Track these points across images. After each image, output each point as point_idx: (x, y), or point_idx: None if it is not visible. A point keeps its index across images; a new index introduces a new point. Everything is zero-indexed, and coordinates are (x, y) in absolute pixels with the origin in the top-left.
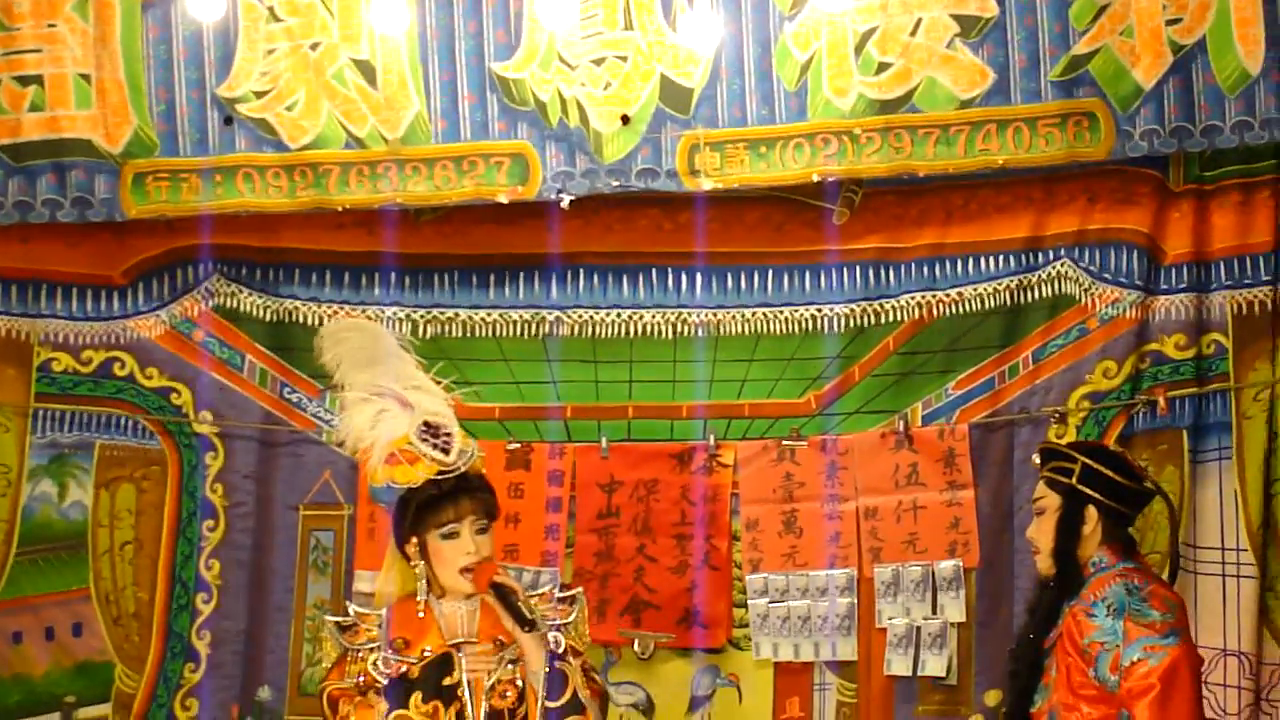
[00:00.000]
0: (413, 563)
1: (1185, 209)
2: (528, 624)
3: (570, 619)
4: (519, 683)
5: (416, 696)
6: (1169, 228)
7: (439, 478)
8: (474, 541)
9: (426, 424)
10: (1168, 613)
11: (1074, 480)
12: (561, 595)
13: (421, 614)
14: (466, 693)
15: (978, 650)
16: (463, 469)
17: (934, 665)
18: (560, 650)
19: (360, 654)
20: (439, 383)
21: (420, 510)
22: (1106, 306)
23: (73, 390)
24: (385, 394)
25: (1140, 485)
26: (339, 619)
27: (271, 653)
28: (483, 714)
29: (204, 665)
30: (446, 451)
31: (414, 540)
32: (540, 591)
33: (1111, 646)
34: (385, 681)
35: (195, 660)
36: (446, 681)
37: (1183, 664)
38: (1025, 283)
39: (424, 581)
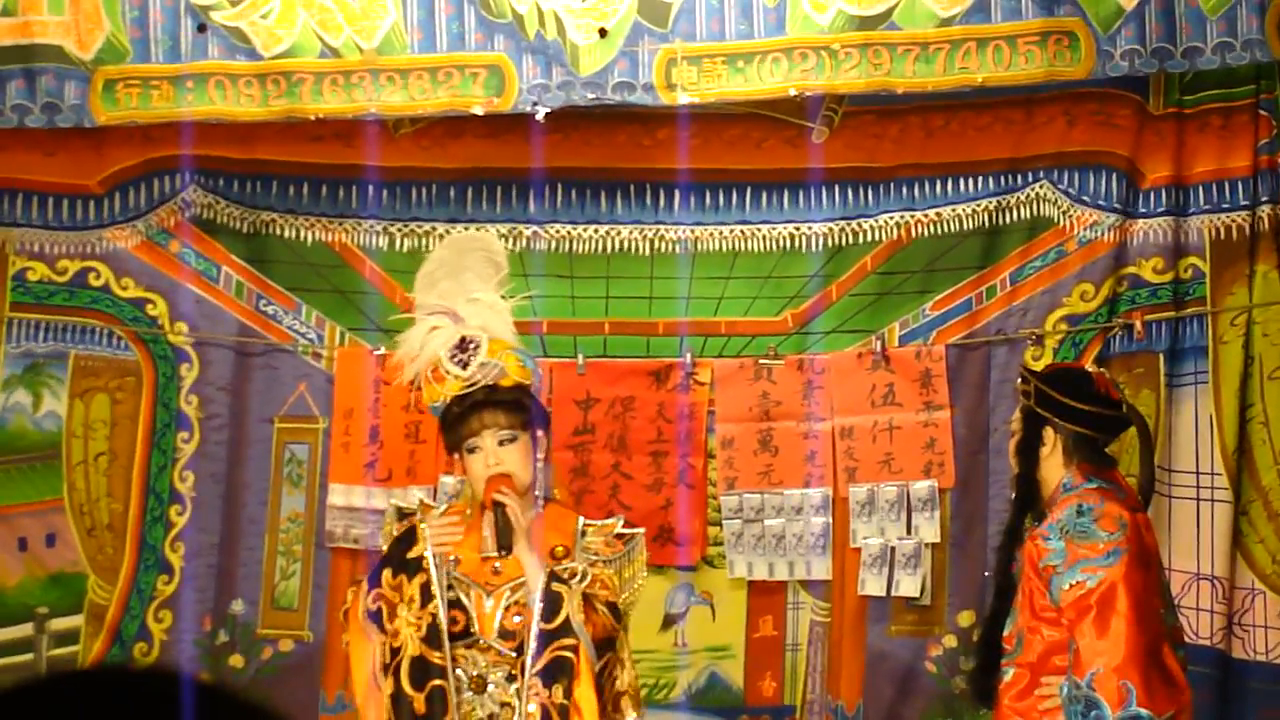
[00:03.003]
0: (459, 477)
1: (1165, 132)
2: (502, 547)
3: (613, 556)
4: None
5: (387, 573)
6: (1148, 151)
7: (464, 393)
8: (497, 453)
9: (462, 339)
10: (1115, 532)
11: (1032, 402)
12: (620, 532)
13: (470, 520)
14: (431, 566)
15: (951, 571)
16: (481, 381)
17: (908, 585)
18: (565, 575)
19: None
20: (508, 295)
21: (448, 428)
22: (1085, 229)
23: (48, 300)
24: (439, 310)
25: (1100, 407)
26: (402, 504)
27: (244, 566)
28: (445, 583)
29: (177, 577)
30: (465, 366)
31: (454, 458)
32: (605, 523)
33: (1061, 570)
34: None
35: (169, 572)
36: (410, 555)
37: (1121, 584)
38: (1004, 204)
39: (469, 495)
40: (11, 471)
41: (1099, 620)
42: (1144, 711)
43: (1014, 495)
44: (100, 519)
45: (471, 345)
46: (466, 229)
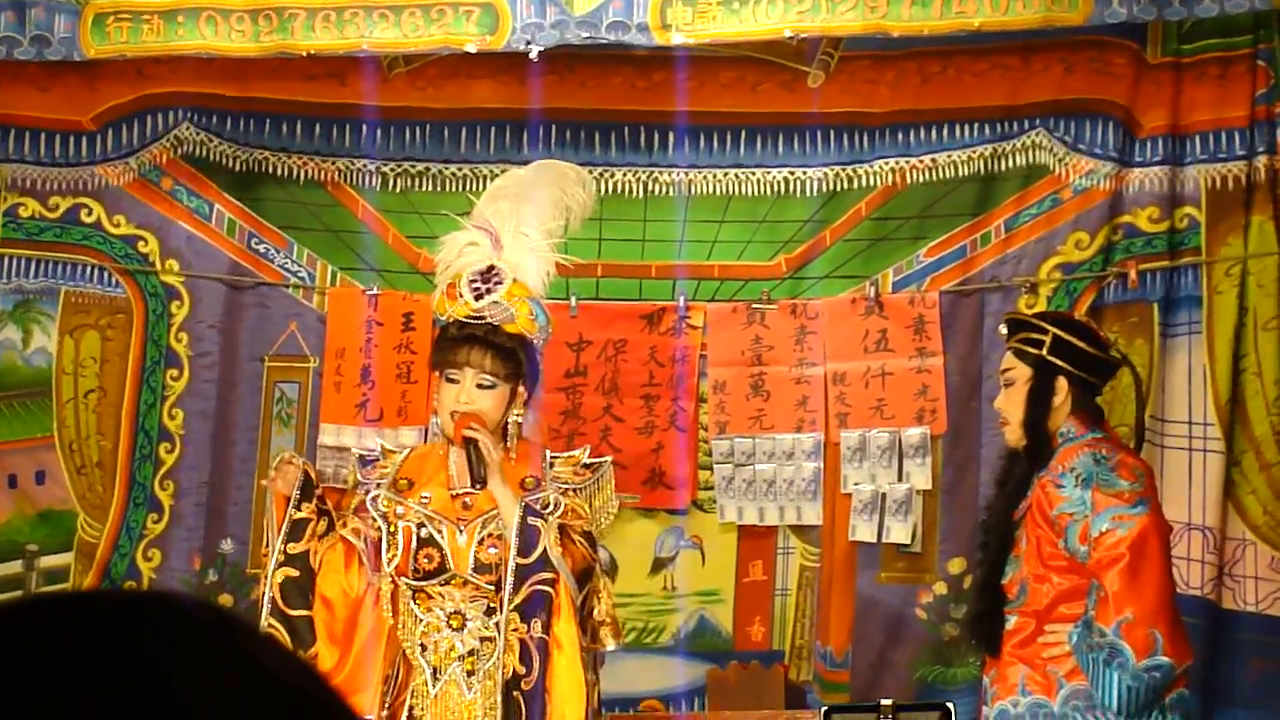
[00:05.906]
0: (435, 398)
1: (1162, 81)
2: (478, 481)
3: (583, 484)
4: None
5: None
6: (1145, 100)
7: (467, 320)
8: (472, 393)
9: (490, 268)
10: (1135, 481)
11: (1044, 351)
12: (588, 461)
13: (441, 454)
14: (382, 527)
15: (942, 518)
16: (488, 318)
17: (898, 532)
18: (540, 508)
19: (368, 488)
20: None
21: (438, 346)
22: (1080, 177)
23: (39, 236)
24: (485, 228)
25: (1108, 355)
26: (364, 451)
27: (234, 505)
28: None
29: (167, 516)
30: (478, 297)
31: (435, 375)
32: (572, 454)
33: (1080, 517)
34: (375, 517)
35: (158, 510)
36: None
37: (1151, 533)
38: (999, 151)
39: (438, 420)
40: (1, 408)
41: (1131, 568)
42: (1166, 660)
43: (1022, 445)
44: (90, 456)
45: (494, 279)
46: (460, 169)
